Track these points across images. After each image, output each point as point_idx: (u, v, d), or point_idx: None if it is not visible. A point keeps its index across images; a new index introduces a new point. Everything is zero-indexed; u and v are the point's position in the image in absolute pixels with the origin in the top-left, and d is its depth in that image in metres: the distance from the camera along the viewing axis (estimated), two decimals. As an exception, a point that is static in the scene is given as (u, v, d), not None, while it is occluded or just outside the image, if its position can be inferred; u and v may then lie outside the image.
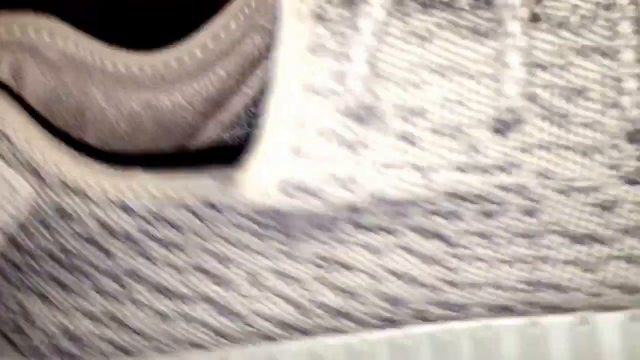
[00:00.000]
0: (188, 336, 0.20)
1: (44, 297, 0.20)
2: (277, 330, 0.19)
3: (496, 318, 0.19)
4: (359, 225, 0.18)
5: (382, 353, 0.20)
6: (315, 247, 0.18)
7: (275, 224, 0.18)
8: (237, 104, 0.27)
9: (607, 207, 0.18)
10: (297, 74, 0.15)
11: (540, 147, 0.17)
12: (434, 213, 0.18)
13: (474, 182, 0.17)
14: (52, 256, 0.19)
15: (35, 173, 0.19)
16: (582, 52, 0.17)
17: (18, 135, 0.19)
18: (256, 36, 0.26)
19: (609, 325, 0.19)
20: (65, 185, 0.19)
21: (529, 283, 0.19)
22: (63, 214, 0.19)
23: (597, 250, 0.18)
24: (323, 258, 0.19)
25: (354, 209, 0.17)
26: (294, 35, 0.16)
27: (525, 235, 0.18)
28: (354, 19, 0.16)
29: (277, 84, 0.15)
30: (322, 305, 0.19)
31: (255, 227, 0.18)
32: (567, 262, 0.18)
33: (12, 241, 0.19)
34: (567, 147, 0.17)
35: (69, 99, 0.24)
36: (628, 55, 0.17)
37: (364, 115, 0.16)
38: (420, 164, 0.17)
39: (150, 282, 0.19)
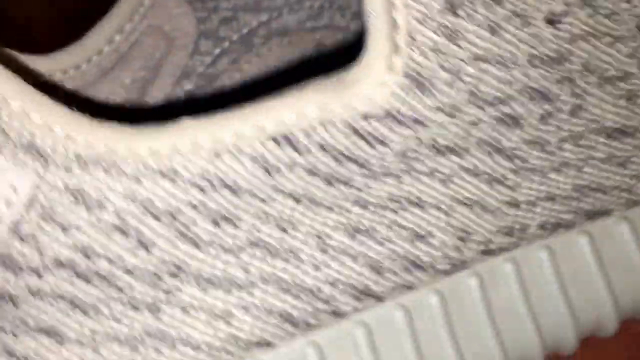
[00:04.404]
0: (254, 331, 0.16)
1: (52, 333, 0.15)
2: (350, 301, 0.17)
3: (549, 237, 0.19)
4: (433, 148, 0.16)
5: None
6: (388, 186, 0.16)
7: (360, 153, 0.15)
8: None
9: (629, 97, 0.19)
10: None
11: (583, 37, 0.17)
12: (501, 121, 0.17)
13: (539, 76, 0.17)
14: (61, 264, 0.15)
15: (34, 151, 0.14)
16: None
17: (11, 104, 0.14)
18: (156, 38, 0.23)
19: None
20: (80, 159, 0.14)
21: (576, 189, 0.19)
22: (78, 198, 0.14)
23: (627, 143, 0.19)
24: (394, 199, 0.17)
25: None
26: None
27: (570, 137, 0.18)
28: None
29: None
30: (397, 258, 0.17)
31: (334, 164, 0.15)
32: (603, 160, 0.19)
33: (0, 257, 0.14)
34: (597, 37, 0.18)
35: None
36: None
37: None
38: (504, 57, 0.16)
39: (194, 274, 0.15)
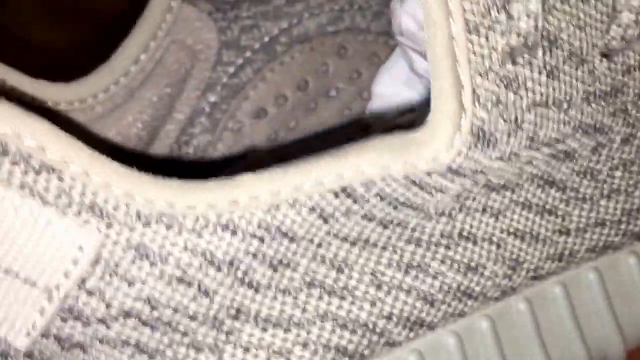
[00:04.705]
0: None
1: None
2: (404, 332, 0.17)
3: (598, 259, 0.19)
4: (486, 186, 0.16)
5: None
6: (441, 225, 0.17)
7: (418, 200, 0.16)
8: (170, 134, 0.24)
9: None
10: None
11: (638, 67, 0.17)
12: (555, 157, 0.17)
13: (594, 111, 0.17)
14: (127, 314, 0.15)
15: (97, 211, 0.14)
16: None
17: (72, 167, 0.14)
18: (180, 53, 0.23)
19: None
20: (141, 216, 0.14)
21: (626, 213, 0.19)
22: (142, 254, 0.15)
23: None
24: (447, 235, 0.17)
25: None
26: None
27: (621, 165, 0.18)
28: None
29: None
30: (447, 289, 0.17)
31: (390, 210, 0.16)
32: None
33: (69, 310, 0.14)
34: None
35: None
36: None
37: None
38: (561, 99, 0.16)
39: (254, 315, 0.16)
